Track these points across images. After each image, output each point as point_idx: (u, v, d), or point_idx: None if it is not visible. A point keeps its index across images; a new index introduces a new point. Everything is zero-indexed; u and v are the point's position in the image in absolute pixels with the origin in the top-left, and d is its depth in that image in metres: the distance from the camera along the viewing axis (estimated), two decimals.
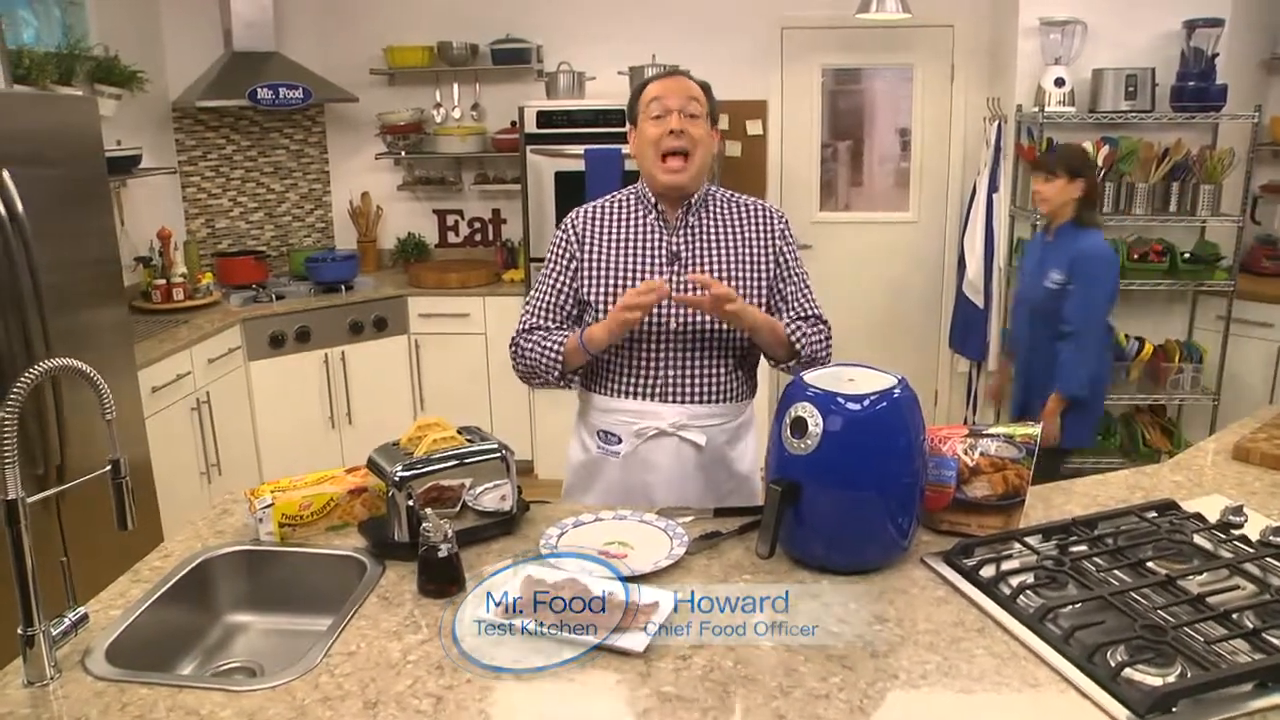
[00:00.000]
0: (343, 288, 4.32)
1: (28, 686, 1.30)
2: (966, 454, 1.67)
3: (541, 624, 1.38)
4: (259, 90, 4.09)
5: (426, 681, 1.28)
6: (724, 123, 4.67)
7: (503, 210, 4.95)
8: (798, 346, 1.91)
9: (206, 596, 1.66)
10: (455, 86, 4.77)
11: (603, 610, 1.40)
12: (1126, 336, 4.07)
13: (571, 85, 4.37)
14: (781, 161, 4.75)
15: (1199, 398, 4.05)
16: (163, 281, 3.89)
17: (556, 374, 1.92)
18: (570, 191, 4.12)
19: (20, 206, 2.46)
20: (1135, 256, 3.94)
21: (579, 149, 4.12)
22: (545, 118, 4.19)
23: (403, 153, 4.75)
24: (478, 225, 5.00)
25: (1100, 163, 3.84)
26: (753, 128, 4.70)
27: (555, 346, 1.90)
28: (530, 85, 4.61)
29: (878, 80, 4.74)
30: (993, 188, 4.11)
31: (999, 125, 4.08)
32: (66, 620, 1.36)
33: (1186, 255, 3.95)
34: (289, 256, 4.75)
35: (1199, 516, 1.70)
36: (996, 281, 4.17)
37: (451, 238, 5.02)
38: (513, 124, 4.55)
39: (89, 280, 2.81)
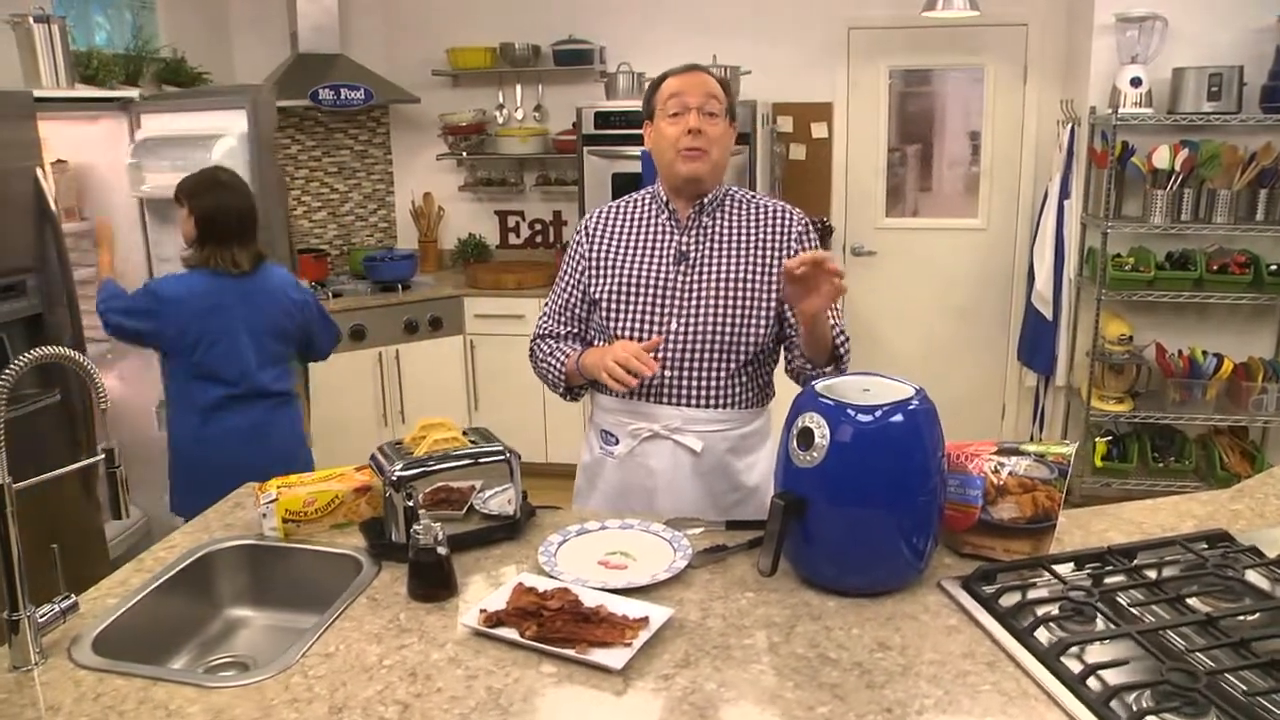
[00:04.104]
0: (400, 287, 4.36)
1: (12, 671, 1.31)
2: (995, 473, 1.56)
3: (524, 634, 1.33)
4: (321, 91, 4.16)
5: (397, 688, 1.24)
6: (788, 125, 4.58)
7: (564, 212, 4.94)
8: (841, 352, 1.83)
9: (208, 589, 1.66)
10: (518, 88, 4.78)
11: (589, 622, 1.34)
12: (1204, 353, 3.83)
13: (631, 86, 4.33)
14: (847, 165, 4.63)
15: None
16: None
17: (563, 389, 1.96)
18: (627, 193, 4.07)
19: None
20: (1214, 268, 3.70)
21: (636, 150, 4.07)
22: (603, 119, 4.15)
23: (464, 154, 4.77)
24: (539, 226, 5.00)
25: (1178, 168, 3.63)
26: (818, 130, 4.59)
27: (558, 366, 1.93)
28: (592, 86, 4.59)
29: (948, 82, 4.58)
30: (1064, 194, 3.91)
31: (1072, 128, 3.89)
32: (54, 607, 1.37)
33: (1273, 267, 3.69)
34: (349, 255, 4.83)
35: (1254, 550, 1.56)
36: (1066, 292, 3.98)
37: (513, 239, 5.03)
38: (574, 125, 4.53)
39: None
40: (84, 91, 3.05)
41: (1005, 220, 4.53)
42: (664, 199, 1.91)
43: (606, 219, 1.95)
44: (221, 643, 1.63)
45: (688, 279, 1.84)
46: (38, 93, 2.61)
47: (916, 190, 4.75)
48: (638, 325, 1.84)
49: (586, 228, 1.96)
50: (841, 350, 1.83)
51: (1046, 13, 4.24)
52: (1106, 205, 3.79)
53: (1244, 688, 1.19)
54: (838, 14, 4.43)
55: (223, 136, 3.07)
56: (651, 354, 1.77)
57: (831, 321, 1.83)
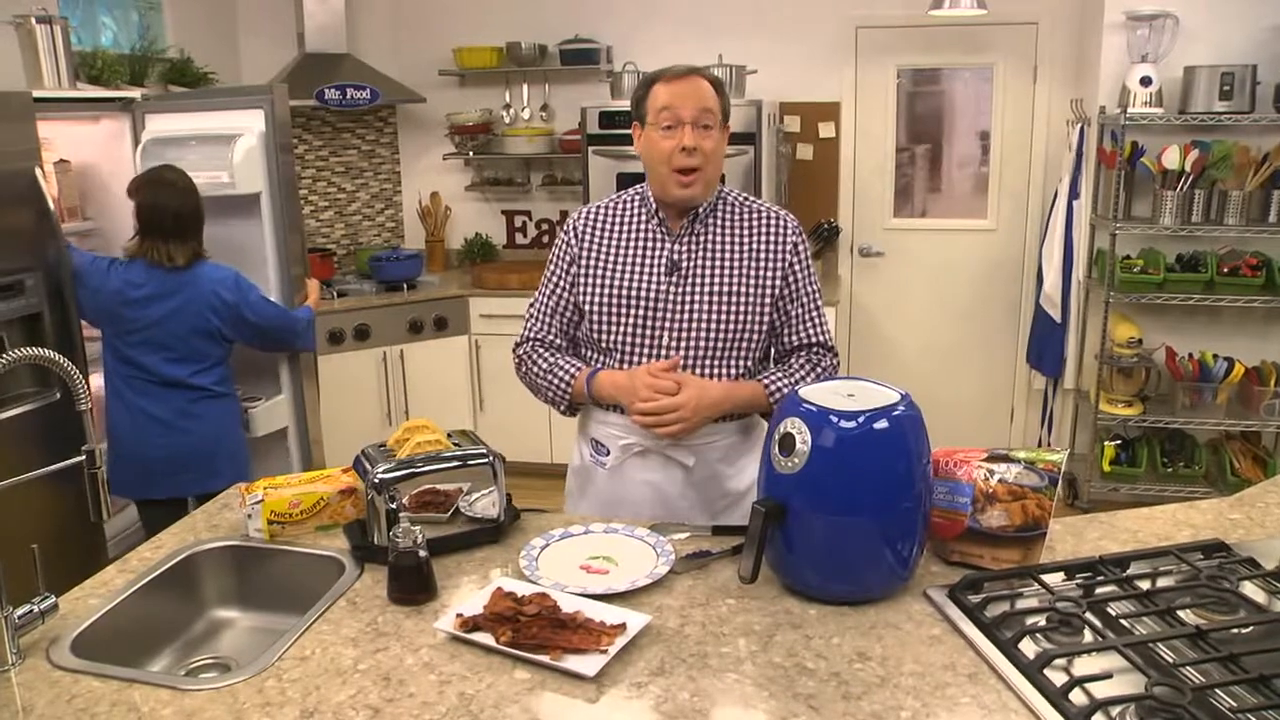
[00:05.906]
0: (405, 286, 4.36)
1: None
2: (984, 480, 1.54)
3: (499, 640, 1.32)
4: (326, 91, 4.17)
5: (370, 693, 1.23)
6: (795, 125, 4.55)
7: (570, 212, 4.91)
8: (773, 404, 1.79)
9: (192, 590, 1.66)
10: (525, 87, 4.78)
11: (566, 628, 1.33)
12: (1215, 356, 3.78)
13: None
14: (855, 165, 4.59)
15: None
16: None
17: (565, 406, 1.89)
18: None
19: None
20: (1225, 270, 3.65)
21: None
22: (608, 118, 4.14)
23: (471, 153, 4.77)
24: (545, 227, 4.99)
25: (1189, 168, 3.58)
26: (825, 130, 4.56)
27: (560, 384, 1.86)
28: (599, 86, 4.58)
29: (956, 81, 4.53)
30: (1073, 195, 3.87)
31: (1081, 128, 3.84)
32: (33, 608, 1.37)
33: None
34: (356, 255, 4.84)
35: (1251, 562, 1.52)
36: (1075, 294, 3.93)
37: (519, 239, 5.03)
38: (579, 125, 4.52)
39: None
40: (84, 91, 3.06)
41: (1014, 221, 4.48)
42: (654, 205, 1.85)
43: (594, 219, 1.89)
44: (205, 644, 1.63)
45: (679, 290, 1.79)
46: (37, 93, 2.62)
47: (925, 190, 4.70)
48: (629, 338, 1.81)
49: (575, 228, 1.90)
50: (773, 401, 1.79)
51: (1056, 11, 4.20)
52: (1116, 206, 3.74)
53: (1232, 703, 1.17)
54: (845, 13, 4.40)
55: (242, 135, 3.08)
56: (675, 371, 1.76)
57: (807, 339, 1.84)
